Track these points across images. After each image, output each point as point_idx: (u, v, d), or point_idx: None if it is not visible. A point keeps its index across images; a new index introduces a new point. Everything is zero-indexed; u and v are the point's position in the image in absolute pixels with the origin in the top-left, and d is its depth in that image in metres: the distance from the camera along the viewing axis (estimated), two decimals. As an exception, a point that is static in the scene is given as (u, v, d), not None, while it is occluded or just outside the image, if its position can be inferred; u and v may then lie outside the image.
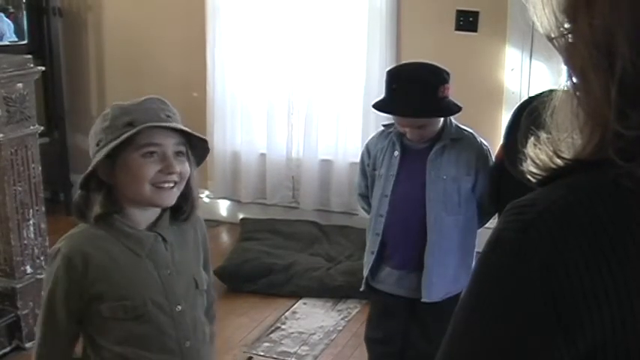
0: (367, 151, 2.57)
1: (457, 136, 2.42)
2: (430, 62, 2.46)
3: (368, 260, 2.53)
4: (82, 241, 1.70)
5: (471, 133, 2.46)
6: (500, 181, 2.40)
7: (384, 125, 2.56)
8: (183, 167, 1.71)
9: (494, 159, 2.48)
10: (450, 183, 2.39)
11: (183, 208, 1.77)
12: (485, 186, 2.44)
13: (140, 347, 1.71)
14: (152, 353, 1.72)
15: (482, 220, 2.52)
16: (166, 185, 1.69)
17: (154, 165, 1.67)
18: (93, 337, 1.73)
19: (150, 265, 1.72)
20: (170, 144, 1.69)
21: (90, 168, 1.68)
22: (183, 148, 1.72)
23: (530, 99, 2.39)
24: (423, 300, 2.44)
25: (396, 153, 2.44)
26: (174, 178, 1.69)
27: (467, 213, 2.45)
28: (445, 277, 2.44)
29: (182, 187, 1.72)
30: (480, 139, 2.47)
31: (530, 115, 2.21)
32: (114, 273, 1.69)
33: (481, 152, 2.44)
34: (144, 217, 1.74)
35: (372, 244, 2.52)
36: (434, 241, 2.40)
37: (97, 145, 1.69)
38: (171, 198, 1.71)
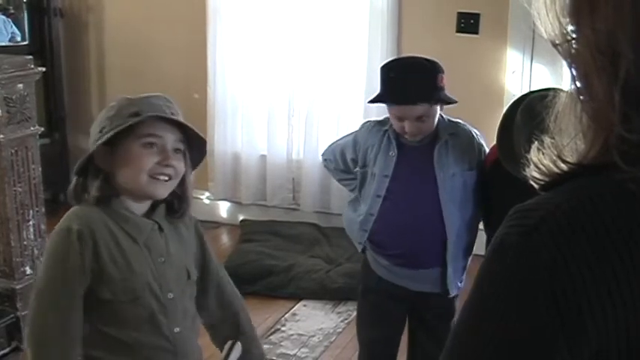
0: (354, 144, 2.49)
1: (453, 130, 2.39)
2: (421, 55, 2.42)
3: (359, 243, 2.53)
4: (89, 218, 1.72)
5: (464, 124, 2.44)
6: (493, 182, 2.39)
7: (378, 121, 2.48)
8: (179, 164, 1.76)
9: (485, 160, 2.46)
10: (458, 179, 2.38)
11: (176, 207, 1.82)
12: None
13: (135, 330, 1.74)
14: (145, 337, 1.75)
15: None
16: (162, 177, 1.73)
17: (152, 156, 1.72)
18: (89, 321, 1.74)
19: (145, 252, 1.77)
20: (170, 139, 1.74)
21: (88, 153, 1.73)
22: (181, 146, 1.77)
23: (525, 95, 2.37)
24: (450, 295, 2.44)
25: (392, 153, 2.38)
26: (170, 171, 1.74)
27: (473, 207, 2.45)
28: (458, 273, 2.45)
29: (176, 183, 1.77)
30: (471, 128, 2.44)
31: (527, 111, 2.19)
32: (117, 254, 1.72)
33: (479, 144, 2.43)
34: (138, 207, 1.79)
35: (359, 237, 2.50)
36: (452, 240, 2.39)
37: (100, 132, 1.73)
38: (165, 190, 1.76)
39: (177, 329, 1.79)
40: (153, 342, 1.76)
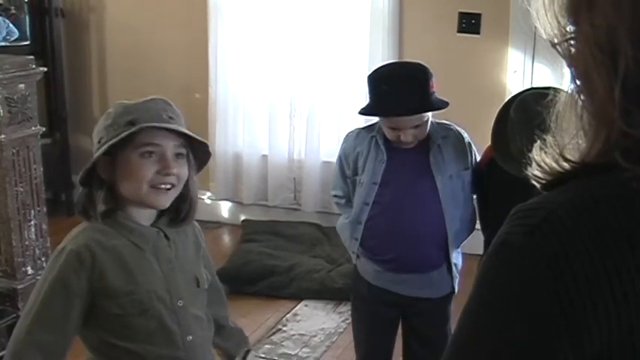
0: (345, 158, 2.45)
1: (445, 133, 2.37)
2: (407, 60, 2.40)
3: (352, 255, 2.51)
4: (88, 238, 1.70)
5: (452, 125, 2.42)
6: (489, 182, 2.39)
7: (363, 128, 2.44)
8: (182, 169, 1.71)
9: (479, 159, 2.45)
10: (456, 180, 2.36)
11: (181, 210, 1.77)
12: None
13: (147, 342, 1.71)
14: (158, 348, 1.73)
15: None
16: (163, 187, 1.69)
17: (152, 165, 1.67)
18: (100, 336, 1.73)
19: (152, 260, 1.73)
20: (170, 145, 1.69)
21: (89, 164, 1.69)
22: (183, 150, 1.72)
23: (518, 93, 2.36)
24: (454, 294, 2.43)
25: (382, 159, 2.34)
26: (172, 180, 1.69)
27: (471, 206, 2.44)
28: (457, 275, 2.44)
29: (179, 189, 1.73)
30: (458, 128, 2.43)
31: (520, 108, 2.19)
32: (120, 267, 1.69)
33: (468, 142, 2.41)
34: (144, 215, 1.75)
35: (352, 246, 2.47)
36: (451, 241, 2.37)
37: (99, 142, 1.70)
38: (167, 200, 1.72)
39: (189, 337, 1.75)
40: (166, 353, 1.73)
